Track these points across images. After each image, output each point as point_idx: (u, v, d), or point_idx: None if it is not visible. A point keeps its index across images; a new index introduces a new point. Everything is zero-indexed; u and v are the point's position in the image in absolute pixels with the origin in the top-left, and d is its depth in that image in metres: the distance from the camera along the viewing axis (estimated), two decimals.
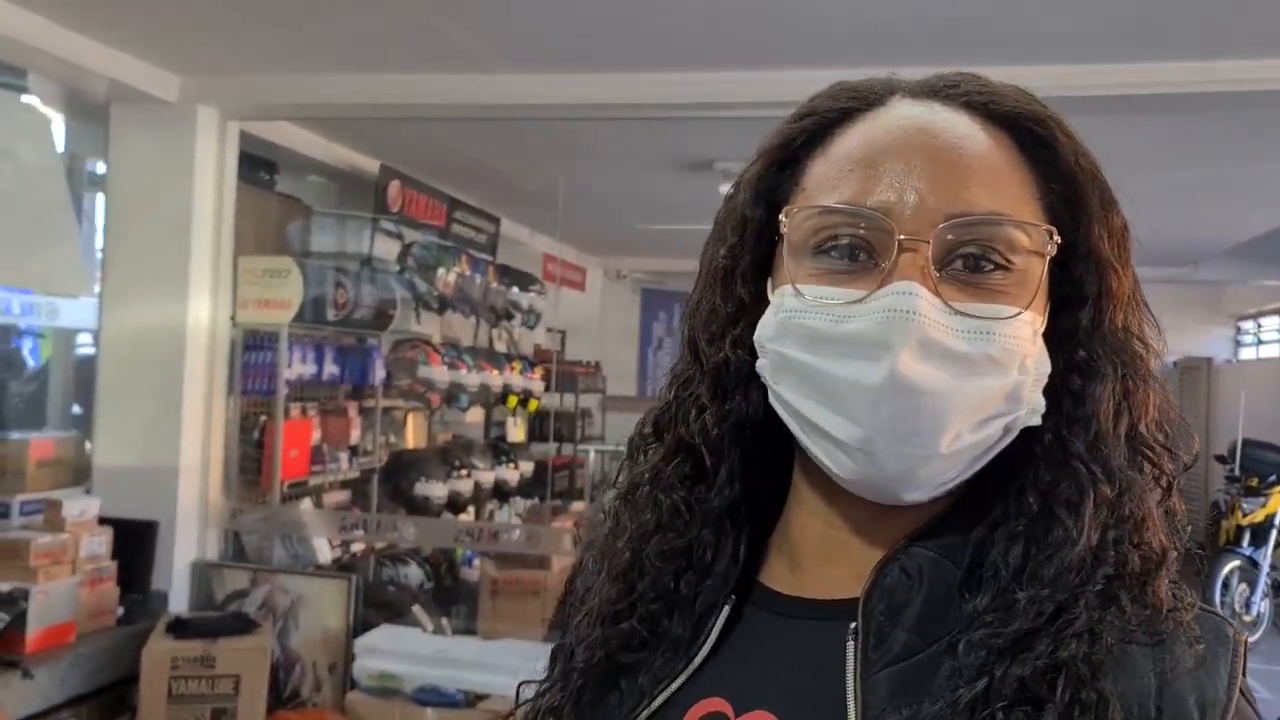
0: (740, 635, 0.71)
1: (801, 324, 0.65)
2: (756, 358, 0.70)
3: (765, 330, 0.68)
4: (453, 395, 5.15)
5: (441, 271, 5.05)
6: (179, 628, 3.42)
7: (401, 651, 3.52)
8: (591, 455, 7.15)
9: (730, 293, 0.73)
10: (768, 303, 0.70)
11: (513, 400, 5.88)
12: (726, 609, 0.71)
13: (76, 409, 5.35)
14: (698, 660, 0.70)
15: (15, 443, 3.77)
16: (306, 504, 4.28)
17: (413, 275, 4.95)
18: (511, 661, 3.51)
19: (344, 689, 3.70)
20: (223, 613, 3.67)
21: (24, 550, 3.28)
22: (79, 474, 3.92)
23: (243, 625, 3.52)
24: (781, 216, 0.68)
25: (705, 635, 0.70)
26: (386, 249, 4.97)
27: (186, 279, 3.86)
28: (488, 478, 5.51)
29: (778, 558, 0.73)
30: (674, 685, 0.70)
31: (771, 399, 0.69)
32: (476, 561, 5.33)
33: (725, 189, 0.77)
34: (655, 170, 5.25)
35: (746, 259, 0.72)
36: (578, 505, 5.65)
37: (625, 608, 0.73)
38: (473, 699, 3.37)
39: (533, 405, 6.49)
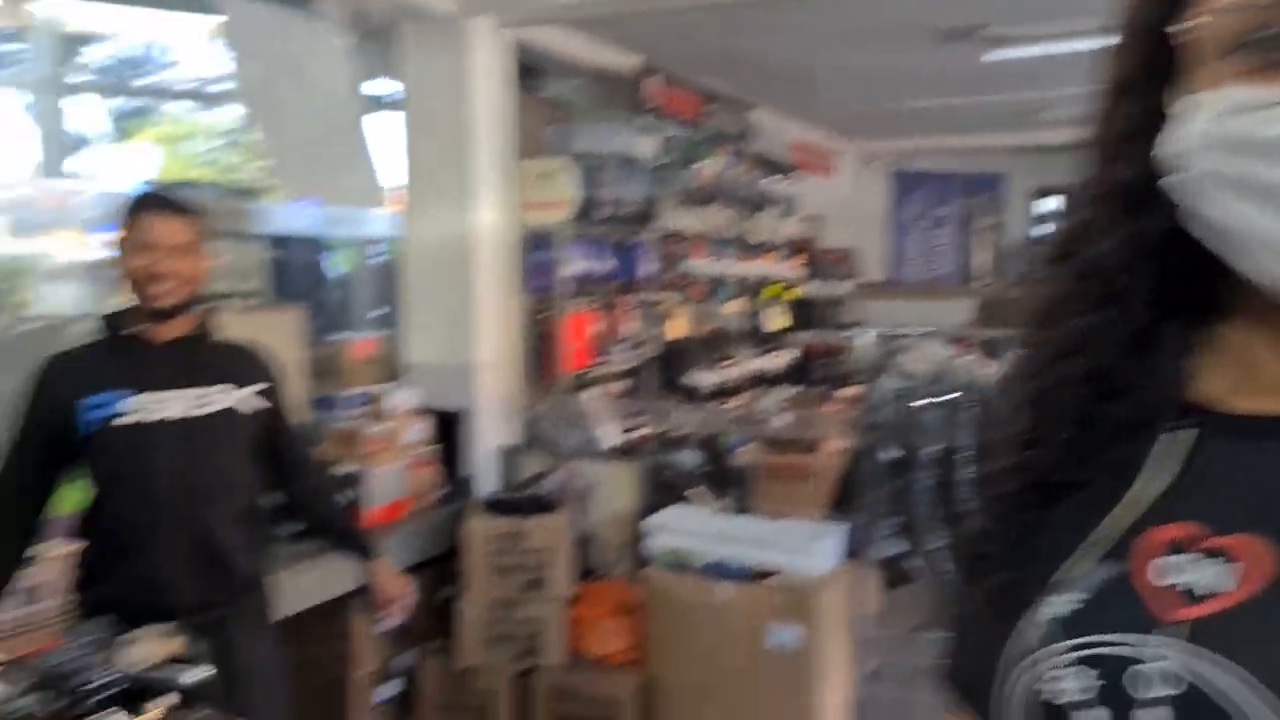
0: (1196, 457, 0.66)
1: (1231, 130, 0.60)
2: (1159, 175, 0.65)
3: (1180, 142, 0.63)
4: (715, 287, 5.26)
5: (700, 164, 5.11)
6: (493, 507, 3.77)
7: (688, 530, 3.72)
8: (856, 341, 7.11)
9: (1129, 107, 0.68)
10: (1167, 117, 0.65)
11: (772, 289, 5.93)
12: (1184, 432, 0.67)
13: (377, 312, 5.89)
14: (1153, 485, 0.66)
15: (337, 344, 4.21)
16: (592, 393, 4.54)
17: (673, 170, 5.04)
18: (792, 540, 3.64)
19: (637, 564, 3.97)
20: (527, 494, 4.00)
21: (358, 438, 3.70)
22: (393, 370, 4.33)
23: (547, 505, 3.82)
24: (1190, 19, 0.62)
25: (1150, 460, 0.67)
26: (646, 146, 5.08)
27: (474, 186, 4.12)
28: (751, 366, 5.63)
29: (1214, 377, 0.68)
30: (1121, 512, 0.66)
31: (1187, 217, 0.64)
32: (742, 447, 5.51)
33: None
34: (913, 43, 5.04)
35: (1145, 69, 0.67)
36: (847, 390, 5.67)
37: (1040, 436, 0.70)
38: (759, 574, 3.53)
39: (791, 294, 6.53)
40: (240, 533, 2.11)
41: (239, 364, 2.17)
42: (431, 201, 4.19)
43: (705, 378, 5.11)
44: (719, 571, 3.55)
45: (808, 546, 3.58)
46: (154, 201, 2.05)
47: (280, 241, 4.25)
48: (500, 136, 4.20)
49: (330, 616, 3.46)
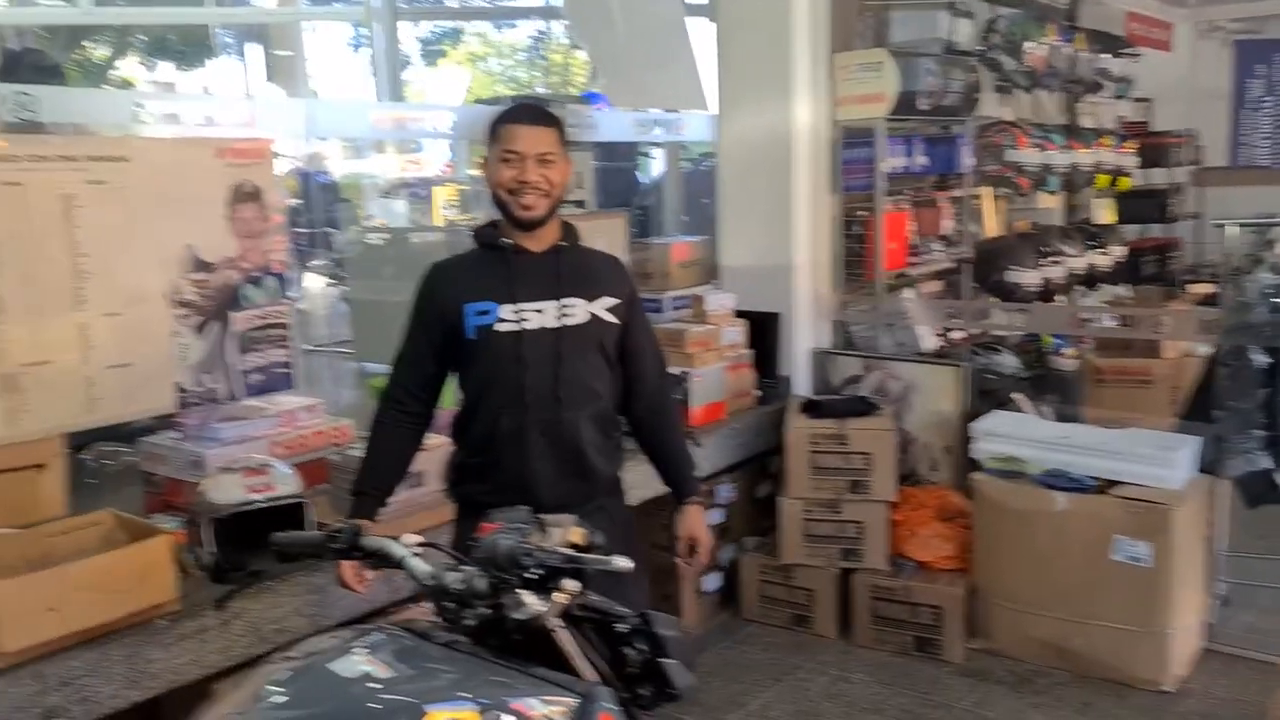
0: None
1: None
2: None
3: None
4: (1042, 178, 4.89)
5: (1029, 45, 4.71)
6: (811, 409, 3.77)
7: (1022, 436, 3.54)
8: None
9: None
10: None
11: (1103, 179, 5.45)
12: None
13: (684, 217, 5.98)
14: None
15: (659, 247, 4.30)
16: (909, 294, 4.39)
17: (998, 53, 4.69)
18: (1141, 450, 3.38)
19: (962, 470, 3.85)
20: (845, 396, 3.96)
21: (682, 338, 3.78)
22: (709, 273, 4.38)
23: (866, 407, 3.77)
24: None
25: None
26: (964, 31, 4.74)
27: (789, 83, 4.03)
28: (1079, 263, 5.23)
29: None
30: None
31: None
32: (1064, 349, 5.17)
33: None
34: None
35: None
36: (1197, 287, 5.16)
37: None
38: (1103, 485, 3.31)
39: (1123, 184, 5.97)
40: (599, 436, 2.19)
41: (601, 274, 2.21)
42: (746, 101, 4.14)
43: (1026, 276, 4.80)
44: (1058, 480, 3.37)
45: (1160, 457, 3.32)
46: (521, 113, 2.11)
47: (602, 149, 4.36)
48: (816, 28, 4.07)
49: (663, 507, 3.61)
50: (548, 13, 14.06)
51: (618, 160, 5.03)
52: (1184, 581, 3.28)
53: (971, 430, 3.65)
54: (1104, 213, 5.94)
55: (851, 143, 4.20)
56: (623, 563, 1.33)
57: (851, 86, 4.11)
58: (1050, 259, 5.03)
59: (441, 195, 11.04)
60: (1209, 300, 4.88)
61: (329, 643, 1.37)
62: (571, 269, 2.15)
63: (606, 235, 3.94)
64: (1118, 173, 5.71)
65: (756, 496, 4.06)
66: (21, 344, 2.29)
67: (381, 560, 1.58)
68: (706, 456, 3.70)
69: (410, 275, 2.25)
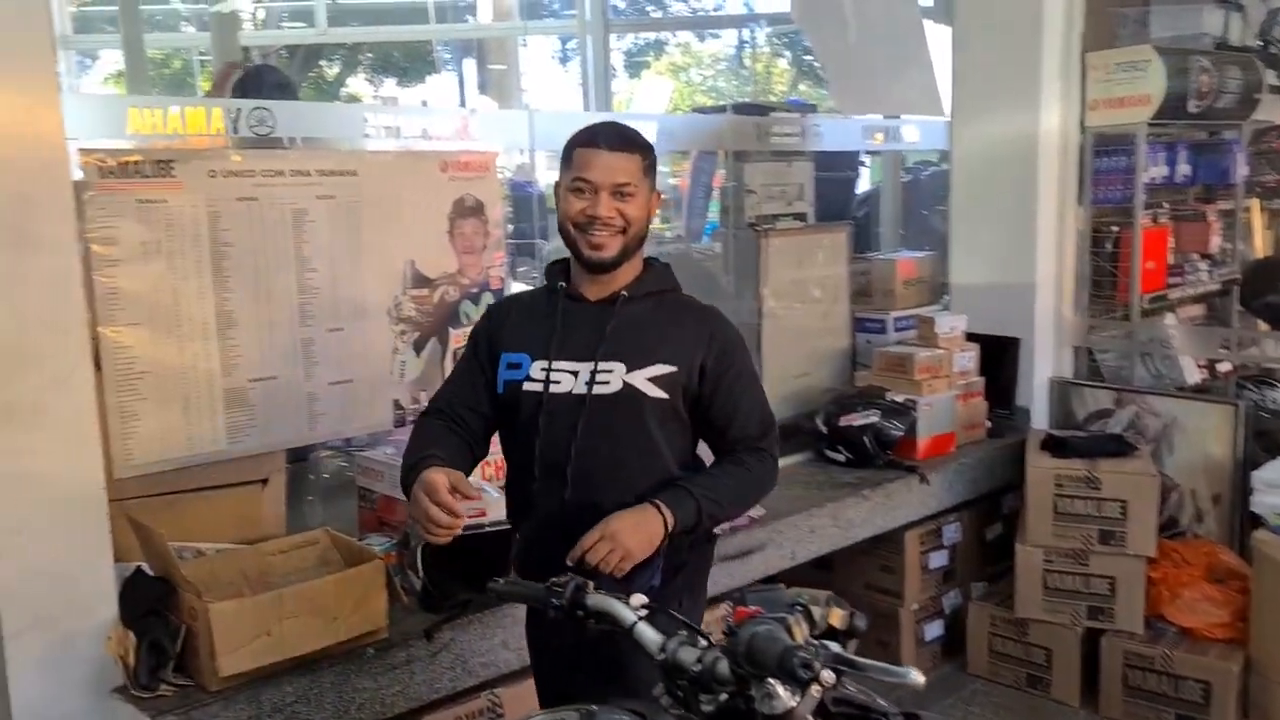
0: None
1: None
2: None
3: None
4: None
5: None
6: (1055, 446, 3.39)
7: None
8: None
9: None
10: None
11: None
12: None
13: (901, 230, 5.65)
14: None
15: (881, 263, 4.02)
16: (1170, 319, 3.93)
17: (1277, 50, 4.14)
18: None
19: (1235, 524, 3.38)
20: (1094, 433, 3.55)
21: (908, 364, 3.50)
22: (935, 291, 4.07)
23: (1120, 447, 3.36)
24: None
25: None
26: (1235, 26, 4.22)
27: (1036, 85, 3.67)
28: None
29: None
30: None
31: None
32: None
33: None
34: None
35: None
36: None
37: None
38: None
39: None
40: None
41: (666, 335, 1.81)
42: (985, 106, 3.81)
43: None
44: None
45: None
46: (599, 134, 1.78)
47: (823, 159, 4.13)
48: (1070, 26, 3.69)
49: (878, 544, 3.35)
50: (750, 21, 13.98)
51: (836, 170, 4.78)
52: None
53: (1252, 480, 3.19)
54: None
55: (1105, 150, 3.79)
56: (916, 677, 1.11)
57: (1107, 89, 3.70)
58: None
59: None
60: None
61: None
62: (626, 326, 1.79)
63: (828, 250, 3.71)
64: None
65: (986, 538, 3.71)
66: (250, 359, 2.28)
67: (605, 621, 1.42)
68: (932, 493, 3.40)
69: None
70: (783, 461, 3.30)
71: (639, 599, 1.43)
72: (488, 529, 2.36)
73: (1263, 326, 4.25)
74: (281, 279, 2.31)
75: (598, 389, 1.76)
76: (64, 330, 1.95)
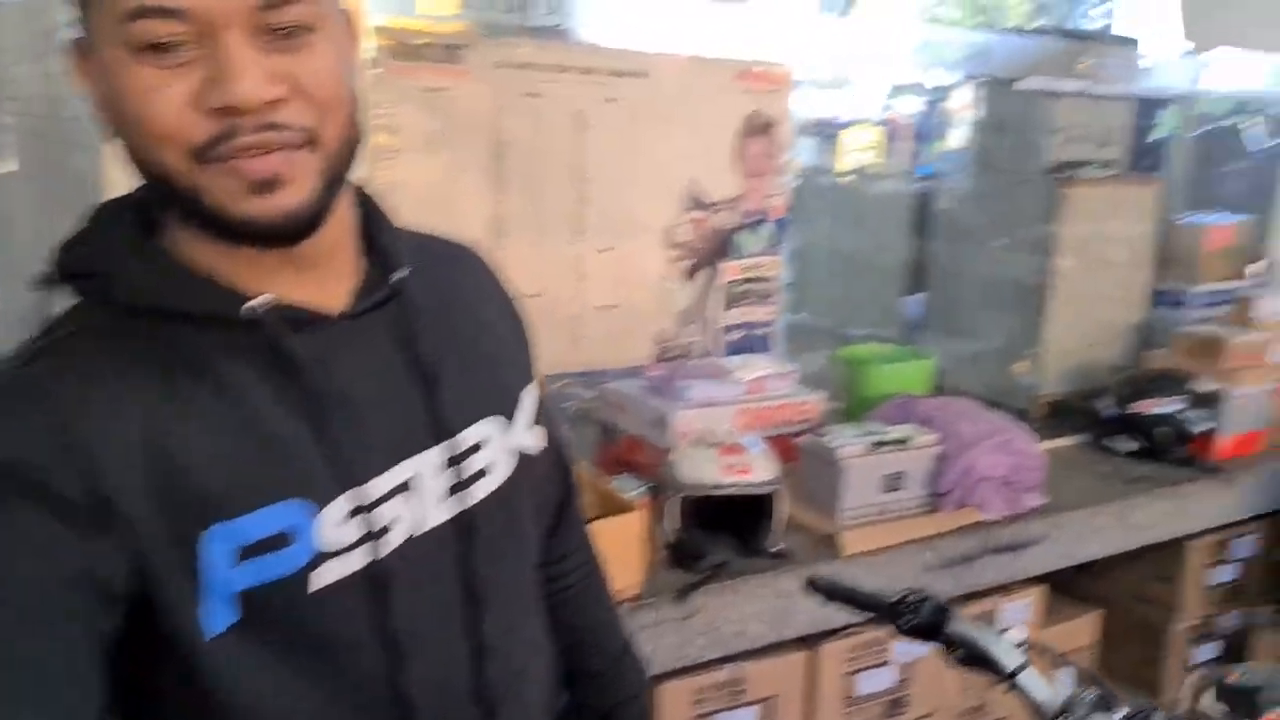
0: None
1: None
2: None
3: None
4: None
5: None
6: None
7: None
8: None
9: None
10: None
11: None
12: None
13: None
14: None
15: (1189, 229, 3.49)
16: None
17: None
18: None
19: None
20: None
21: (1220, 349, 3.01)
22: (1244, 266, 3.51)
23: None
24: None
25: None
26: None
27: None
28: None
29: None
30: None
31: None
32: None
33: None
34: None
35: None
36: None
37: None
38: None
39: None
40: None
41: (497, 324, 1.02)
42: None
43: None
44: None
45: None
46: None
47: (1151, 103, 3.59)
48: None
49: (1163, 554, 2.93)
50: None
51: (1170, 115, 4.19)
52: None
53: None
54: None
55: None
56: None
57: None
58: None
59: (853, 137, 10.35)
60: None
61: None
62: (443, 332, 0.89)
63: (1135, 207, 3.24)
64: None
65: (1274, 557, 3.22)
66: (519, 270, 2.09)
67: (972, 657, 1.14)
68: (1233, 500, 2.94)
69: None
70: (1059, 443, 2.93)
71: (1017, 635, 1.14)
72: (753, 488, 2.14)
73: None
74: (556, 187, 2.09)
75: (477, 487, 0.87)
76: None
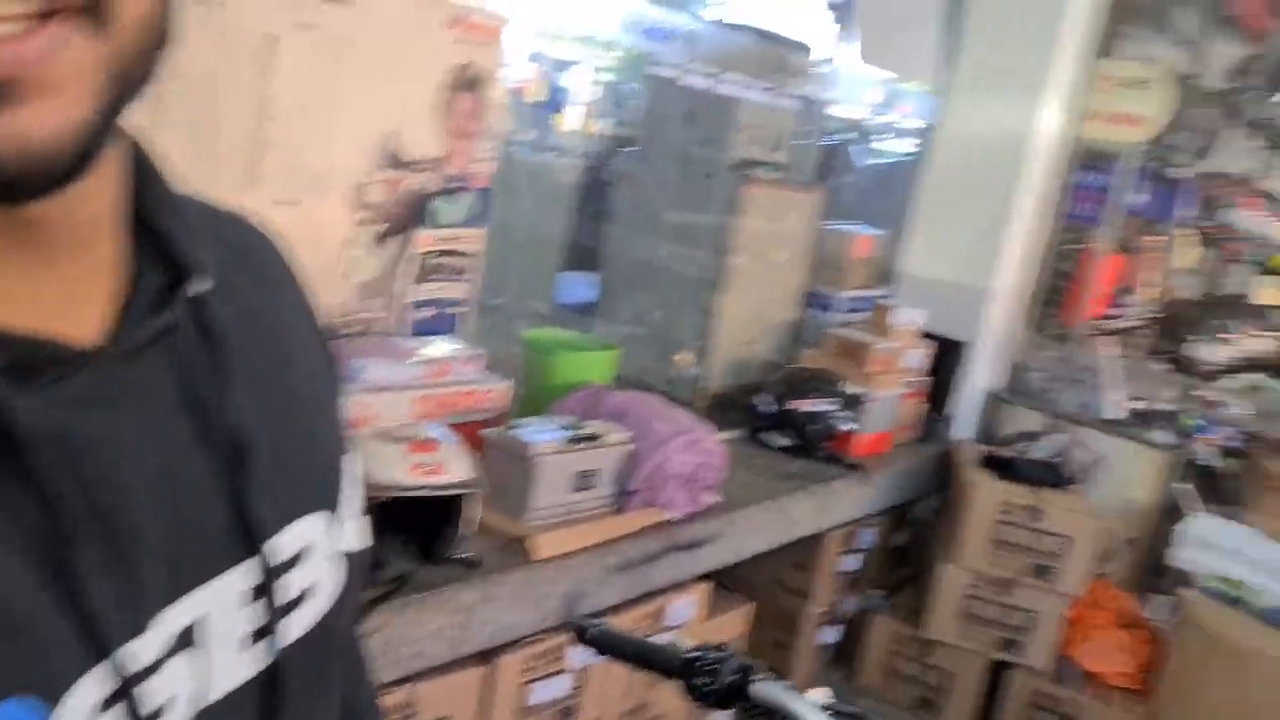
0: None
1: None
2: None
3: None
4: (1253, 248, 4.33)
5: None
6: (999, 467, 3.21)
7: (1244, 553, 3.02)
8: None
9: None
10: None
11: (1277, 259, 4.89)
12: None
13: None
14: None
15: (839, 236, 3.69)
16: (1103, 348, 3.83)
17: (1252, 98, 4.09)
18: None
19: (1142, 571, 3.34)
20: (1035, 459, 3.40)
21: (863, 354, 3.21)
22: (885, 276, 3.80)
23: (1056, 478, 3.22)
24: None
25: None
26: (1217, 63, 4.13)
27: (1043, 82, 3.42)
28: (1255, 346, 4.69)
29: None
30: None
31: None
32: (1206, 438, 4.64)
33: None
34: None
35: None
36: None
37: None
38: None
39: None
40: None
41: (296, 353, 0.66)
42: (982, 92, 3.53)
43: (1208, 351, 4.27)
44: None
45: None
46: None
47: (818, 111, 3.74)
48: (1088, 25, 3.46)
49: (804, 545, 3.07)
50: None
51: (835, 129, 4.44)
52: None
53: (1179, 534, 3.13)
54: (1267, 293, 5.39)
55: (1086, 166, 3.61)
56: None
57: (1109, 101, 3.51)
58: (1225, 335, 4.49)
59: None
60: None
61: None
62: (259, 383, 0.56)
63: (801, 210, 3.36)
64: None
65: (891, 545, 3.53)
66: None
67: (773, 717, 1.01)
68: (870, 495, 3.16)
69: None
70: (721, 437, 2.95)
71: (822, 694, 1.03)
72: (441, 490, 1.92)
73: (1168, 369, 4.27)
74: (233, 123, 1.71)
75: (292, 621, 0.55)
76: None
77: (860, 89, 4.68)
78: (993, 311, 3.60)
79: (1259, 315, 4.92)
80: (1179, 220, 4.18)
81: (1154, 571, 3.35)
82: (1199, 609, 2.95)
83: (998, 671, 3.14)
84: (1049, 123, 3.47)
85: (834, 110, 4.07)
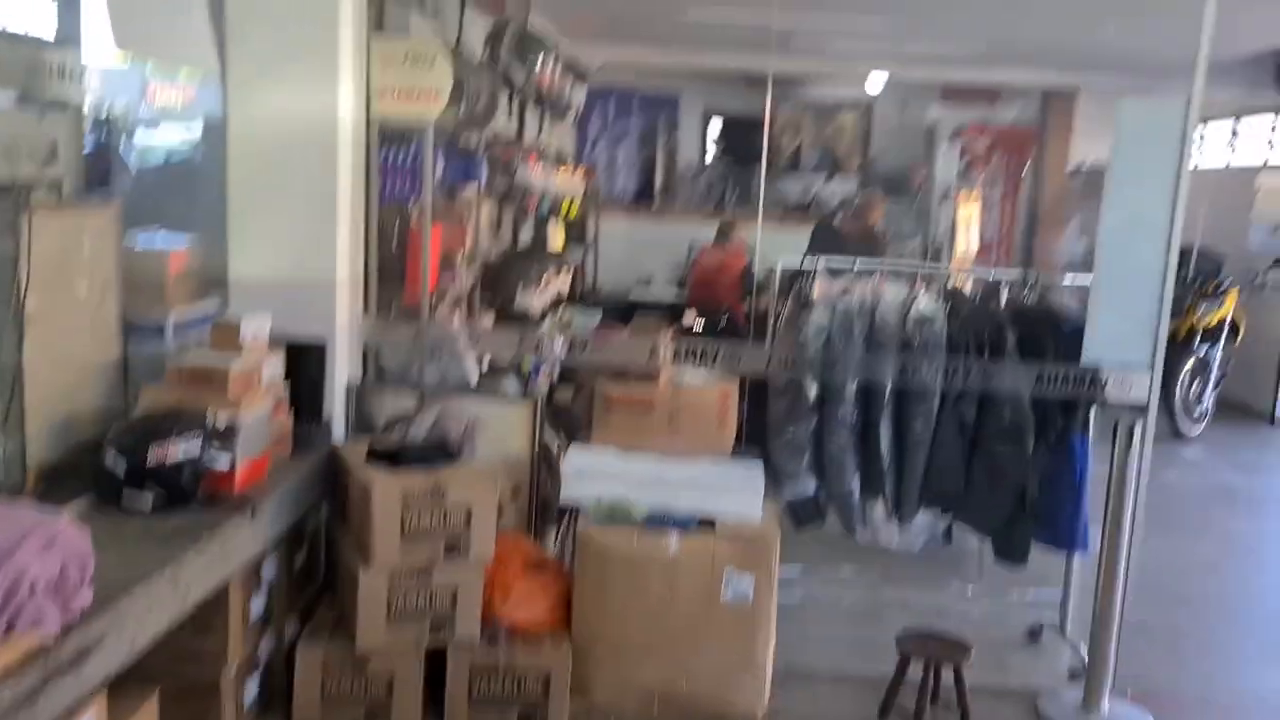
0: None
1: None
2: None
3: None
4: (540, 201, 4.79)
5: (537, 60, 4.57)
6: (388, 458, 3.13)
7: (614, 474, 3.36)
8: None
9: None
10: None
11: (569, 205, 5.53)
12: None
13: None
14: None
15: (149, 253, 3.23)
16: (446, 318, 3.93)
17: (508, 65, 4.46)
18: (727, 482, 3.40)
19: (531, 513, 3.54)
20: (424, 442, 3.36)
21: (223, 379, 2.88)
22: (211, 287, 3.43)
23: (447, 455, 3.25)
24: None
25: None
26: (476, 38, 4.44)
27: (332, 63, 3.32)
28: (561, 285, 5.23)
29: None
30: None
31: None
32: (541, 374, 5.12)
33: None
34: None
35: None
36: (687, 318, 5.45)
37: None
38: (704, 522, 3.26)
39: (572, 210, 6.15)
40: None
41: None
42: (271, 76, 3.32)
43: (534, 300, 4.65)
44: (663, 521, 3.23)
45: (744, 488, 3.37)
46: None
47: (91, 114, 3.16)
48: (358, 3, 3.43)
49: (204, 604, 2.68)
50: None
51: (114, 130, 3.78)
52: (771, 610, 3.36)
53: (566, 469, 3.37)
54: (559, 238, 6.06)
55: (390, 144, 3.64)
56: None
57: (396, 77, 3.54)
58: (544, 282, 4.94)
59: None
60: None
61: None
62: None
63: (97, 234, 2.87)
64: (572, 199, 5.86)
65: (294, 569, 3.28)
66: None
67: None
68: (260, 529, 2.86)
69: None
70: (74, 514, 2.46)
71: None
72: None
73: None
74: None
75: None
76: None
77: (117, 80, 4.11)
78: (342, 304, 3.47)
79: (560, 259, 5.52)
80: (479, 185, 4.44)
81: (542, 512, 3.58)
82: (591, 534, 3.21)
83: (439, 661, 3.11)
84: (346, 104, 3.40)
85: (90, 109, 3.52)
